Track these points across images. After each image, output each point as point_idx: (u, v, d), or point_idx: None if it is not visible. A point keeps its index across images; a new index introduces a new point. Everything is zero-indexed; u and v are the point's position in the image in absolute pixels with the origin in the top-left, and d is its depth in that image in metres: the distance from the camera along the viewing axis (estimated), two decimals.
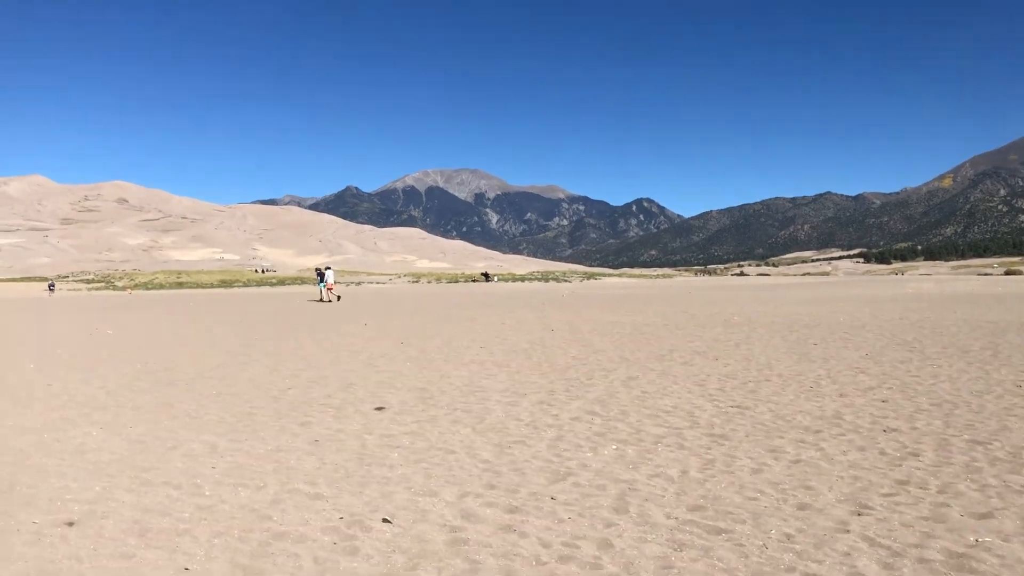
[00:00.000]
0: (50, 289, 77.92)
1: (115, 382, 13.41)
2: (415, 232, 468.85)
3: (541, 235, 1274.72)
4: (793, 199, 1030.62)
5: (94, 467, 7.68)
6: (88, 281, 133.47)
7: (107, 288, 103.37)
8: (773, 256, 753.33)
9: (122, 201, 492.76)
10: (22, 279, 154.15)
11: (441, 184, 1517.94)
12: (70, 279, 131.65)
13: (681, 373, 13.47)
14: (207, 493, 6.75)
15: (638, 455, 7.78)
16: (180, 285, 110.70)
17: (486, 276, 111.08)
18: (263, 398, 11.49)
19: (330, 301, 37.43)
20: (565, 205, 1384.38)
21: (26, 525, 5.96)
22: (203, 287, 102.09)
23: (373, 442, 8.52)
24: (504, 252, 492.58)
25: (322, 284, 37.98)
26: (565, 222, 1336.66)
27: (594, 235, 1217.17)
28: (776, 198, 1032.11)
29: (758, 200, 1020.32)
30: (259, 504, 6.40)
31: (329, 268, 39.71)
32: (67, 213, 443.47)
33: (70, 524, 6.02)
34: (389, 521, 5.90)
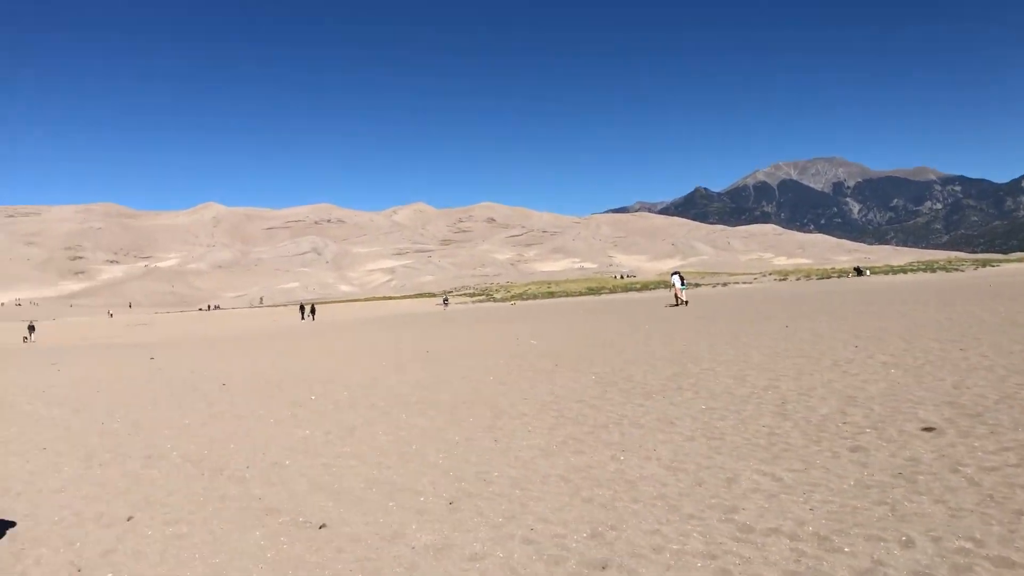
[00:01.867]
0: (444, 303, 76.83)
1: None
2: (769, 228, 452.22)
3: (911, 222, 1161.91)
4: None
5: None
6: (471, 295, 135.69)
7: (487, 300, 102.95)
8: None
9: (491, 220, 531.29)
10: (415, 295, 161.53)
11: (795, 176, 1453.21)
12: (454, 293, 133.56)
13: None
14: None
15: None
16: (551, 294, 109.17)
17: (858, 271, 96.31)
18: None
19: (685, 303, 37.68)
20: (938, 187, 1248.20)
21: None
22: (572, 295, 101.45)
23: None
24: (869, 243, 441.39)
25: (683, 286, 38.84)
26: (939, 205, 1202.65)
27: (975, 218, 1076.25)
28: None
29: None
30: None
31: (676, 273, 40.81)
32: (445, 235, 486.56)
33: None
34: None
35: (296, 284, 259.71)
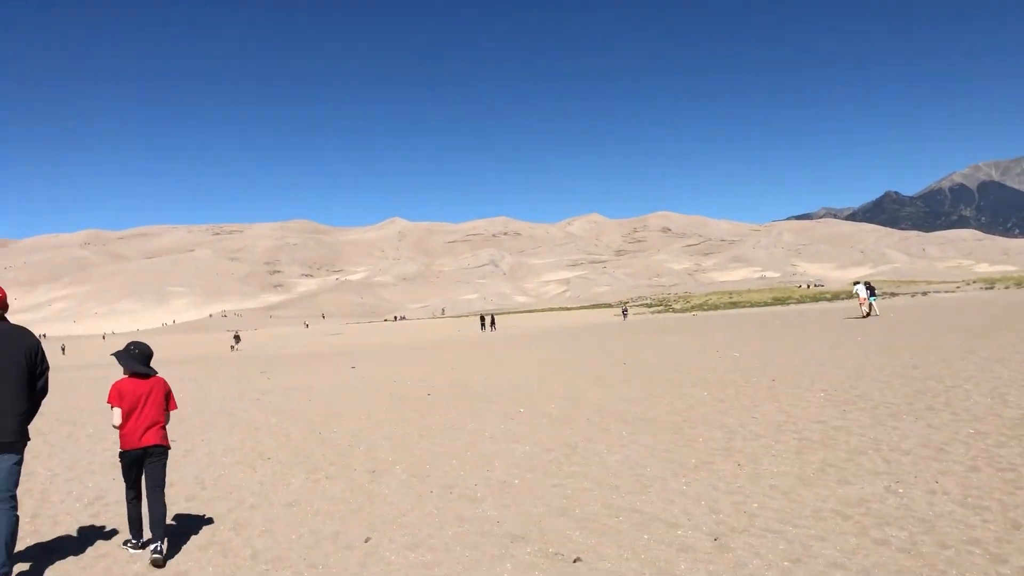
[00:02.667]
0: (623, 314, 77.96)
1: None
2: (968, 234, 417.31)
3: None
4: None
5: None
6: (647, 305, 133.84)
7: (666, 311, 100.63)
8: None
9: (666, 230, 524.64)
10: (591, 306, 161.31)
11: (996, 177, 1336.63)
12: (630, 304, 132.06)
13: None
14: None
15: None
16: (734, 305, 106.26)
17: None
18: None
19: (867, 316, 35.51)
20: None
21: None
22: (756, 305, 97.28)
23: None
24: None
25: (873, 298, 36.68)
26: None
27: None
28: None
29: None
30: None
31: (859, 283, 38.51)
32: (620, 245, 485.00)
33: None
34: None
35: (475, 295, 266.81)
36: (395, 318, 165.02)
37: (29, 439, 5.48)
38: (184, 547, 6.02)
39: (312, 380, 21.01)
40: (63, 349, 74.85)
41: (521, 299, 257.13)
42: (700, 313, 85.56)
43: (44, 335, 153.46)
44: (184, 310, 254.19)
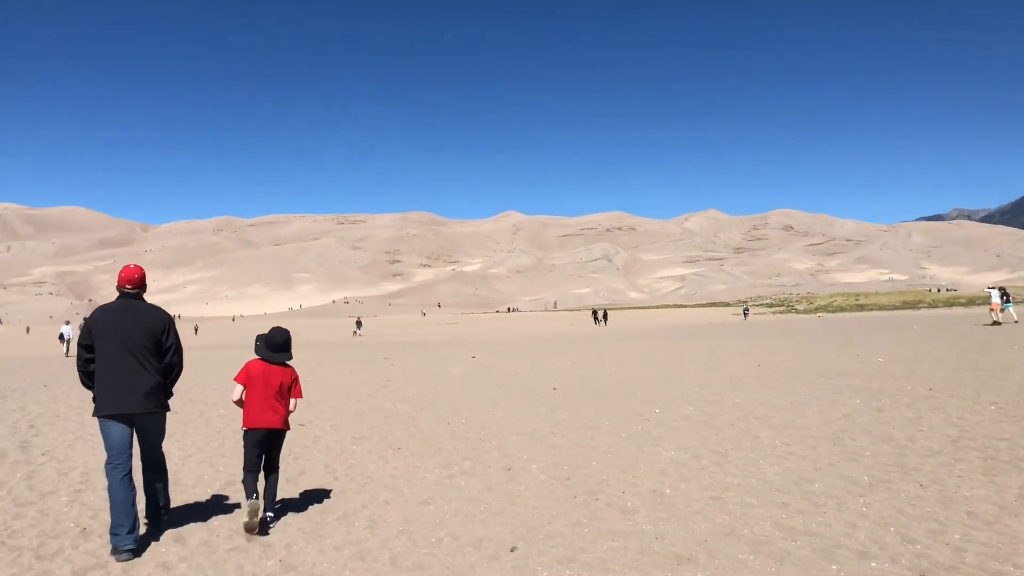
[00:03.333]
0: (744, 314, 75.22)
1: None
2: None
3: None
4: None
5: None
6: (768, 305, 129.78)
7: (788, 311, 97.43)
8: None
9: (787, 228, 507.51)
10: (707, 304, 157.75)
11: None
12: (748, 303, 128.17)
13: None
14: None
15: None
16: (860, 307, 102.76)
17: None
18: None
19: (996, 323, 34.18)
20: None
21: None
22: (885, 309, 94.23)
23: None
24: None
25: (1008, 305, 35.36)
26: None
27: None
28: None
29: None
30: None
31: (993, 288, 37.90)
32: (739, 242, 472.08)
33: None
34: None
35: (588, 290, 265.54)
36: (508, 310, 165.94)
37: (168, 408, 5.92)
38: (319, 547, 5.66)
39: (435, 368, 20.87)
40: (196, 329, 78.54)
41: (634, 295, 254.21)
42: (825, 315, 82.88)
43: (179, 315, 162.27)
44: (309, 295, 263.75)
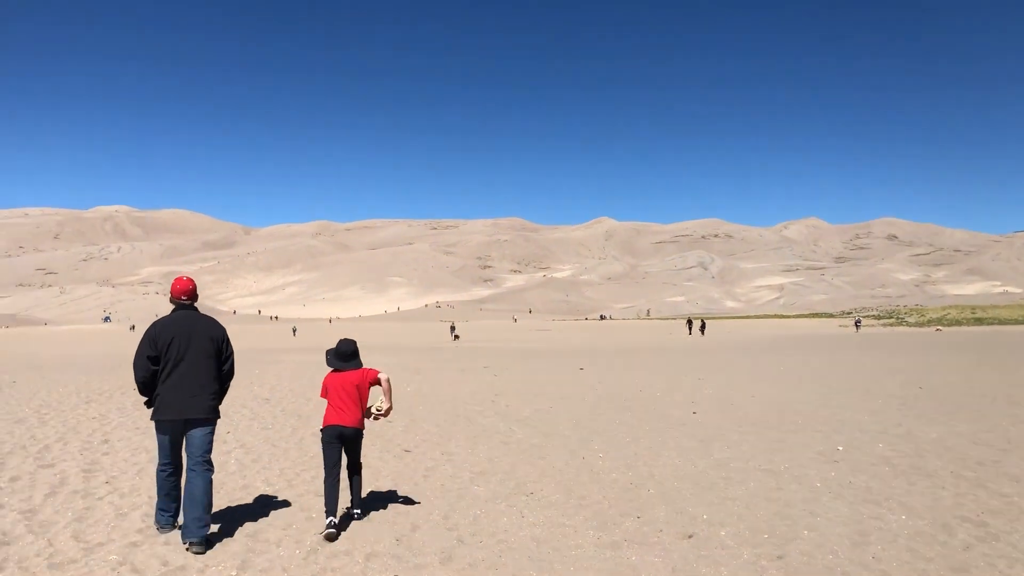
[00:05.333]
0: (856, 325, 73.05)
1: None
2: None
3: None
4: None
5: None
6: (876, 317, 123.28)
7: (898, 324, 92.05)
8: None
9: (892, 237, 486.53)
10: (809, 315, 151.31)
11: None
12: (852, 315, 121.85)
13: None
14: None
15: None
16: (979, 321, 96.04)
17: None
18: None
19: None
20: None
21: None
22: (1006, 323, 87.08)
23: None
24: None
25: None
26: None
27: None
28: None
29: None
30: None
31: None
32: (840, 251, 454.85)
33: None
34: None
35: (682, 298, 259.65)
36: (600, 317, 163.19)
37: (219, 416, 6.21)
38: None
39: (541, 380, 19.00)
40: (294, 331, 79.08)
41: (731, 304, 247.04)
42: (944, 329, 77.59)
43: (275, 317, 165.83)
44: (402, 299, 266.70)
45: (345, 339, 6.73)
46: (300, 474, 8.28)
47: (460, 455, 9.24)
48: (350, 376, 6.56)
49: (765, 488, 7.39)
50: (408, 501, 7.10)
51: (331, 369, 6.69)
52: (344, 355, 6.65)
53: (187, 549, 5.64)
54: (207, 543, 5.73)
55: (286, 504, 7.09)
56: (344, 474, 6.89)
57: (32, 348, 47.16)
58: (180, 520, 6.07)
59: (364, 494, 7.12)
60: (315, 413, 13.08)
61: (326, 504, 6.18)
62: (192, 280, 6.33)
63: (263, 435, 10.86)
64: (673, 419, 11.97)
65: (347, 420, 6.44)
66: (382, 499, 7.22)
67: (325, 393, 6.59)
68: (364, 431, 6.71)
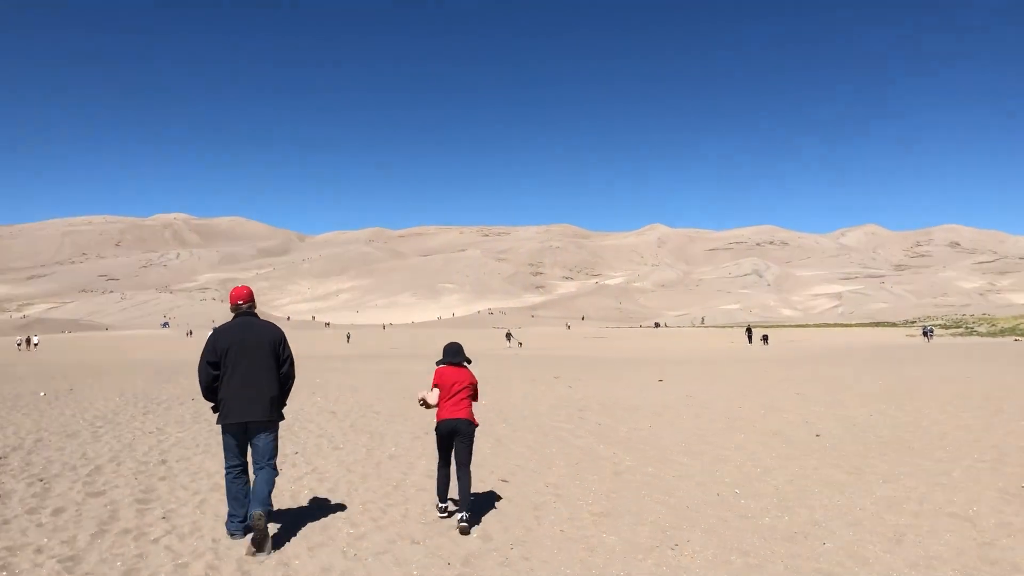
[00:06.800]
0: (926, 335, 69.82)
1: None
2: None
3: None
4: None
5: None
6: (944, 326, 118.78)
7: (969, 334, 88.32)
8: None
9: (954, 244, 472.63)
10: (870, 324, 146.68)
11: None
12: (916, 324, 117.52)
13: None
14: None
15: None
16: None
17: None
18: None
19: None
20: None
21: None
22: None
23: None
24: None
25: None
26: None
27: None
28: None
29: None
30: None
31: None
32: (900, 259, 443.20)
33: None
34: None
35: (736, 306, 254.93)
36: (655, 324, 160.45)
37: (283, 418, 6.33)
38: None
39: (622, 393, 17.57)
40: (348, 337, 78.72)
41: (787, 312, 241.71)
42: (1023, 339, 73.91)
43: (328, 323, 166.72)
44: (454, 305, 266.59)
45: (452, 341, 7.16)
46: (387, 511, 7.02)
47: (569, 488, 7.88)
48: (462, 372, 6.90)
49: (966, 540, 5.90)
50: (524, 553, 5.77)
51: (441, 365, 6.94)
52: (453, 351, 6.99)
53: (252, 522, 5.72)
54: (269, 516, 5.93)
55: (377, 552, 5.91)
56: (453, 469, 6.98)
57: (92, 354, 47.24)
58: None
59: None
60: (388, 430, 11.89)
61: (438, 494, 6.87)
62: (248, 287, 6.54)
63: (335, 457, 9.67)
64: (797, 443, 10.45)
65: (461, 413, 6.72)
66: (493, 545, 5.93)
67: (438, 380, 6.83)
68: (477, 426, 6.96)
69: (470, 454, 6.77)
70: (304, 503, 7.33)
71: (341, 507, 7.16)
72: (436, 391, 6.82)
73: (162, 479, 8.25)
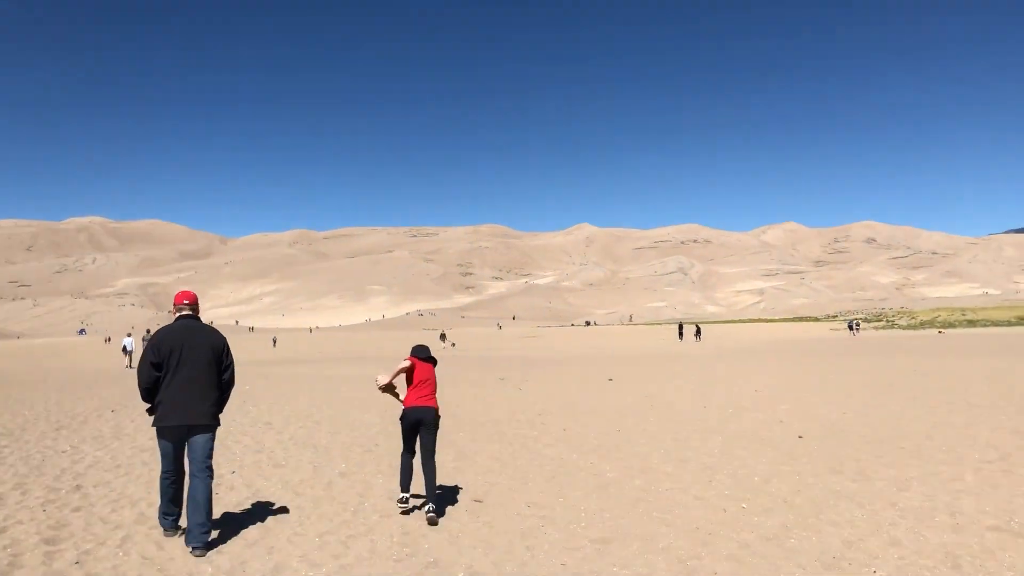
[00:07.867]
0: (852, 329, 72.53)
1: None
2: None
3: None
4: None
5: None
6: (866, 319, 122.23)
7: (890, 327, 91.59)
8: None
9: (870, 240, 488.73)
10: (792, 319, 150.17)
11: None
12: (839, 318, 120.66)
13: None
14: None
15: None
16: (971, 323, 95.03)
17: None
18: None
19: None
20: None
21: None
22: (999, 324, 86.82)
23: None
24: None
25: None
26: None
27: None
28: None
29: None
30: None
31: None
32: (819, 255, 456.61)
33: None
34: None
35: (663, 303, 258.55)
36: (585, 323, 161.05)
37: (219, 424, 6.26)
38: None
39: (576, 395, 16.77)
40: (274, 341, 76.24)
41: (711, 309, 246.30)
42: (947, 331, 76.32)
43: (252, 328, 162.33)
44: (383, 307, 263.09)
45: (421, 344, 7.52)
46: (349, 545, 5.96)
47: (554, 508, 6.94)
48: (431, 368, 7.24)
49: (997, 563, 5.18)
50: None
51: (413, 357, 7.26)
52: (426, 348, 7.44)
53: (190, 552, 5.70)
54: (208, 547, 5.81)
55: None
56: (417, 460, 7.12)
57: (2, 363, 44.25)
58: (183, 522, 6.16)
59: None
60: (333, 443, 10.77)
61: (400, 484, 6.90)
62: (194, 292, 6.58)
63: (278, 477, 8.52)
64: (780, 446, 9.74)
65: (429, 402, 6.99)
66: None
67: (412, 370, 7.11)
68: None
69: (434, 443, 6.97)
70: (252, 539, 6.19)
71: (295, 541, 6.07)
72: (390, 374, 7.21)
73: (76, 510, 7.00)
